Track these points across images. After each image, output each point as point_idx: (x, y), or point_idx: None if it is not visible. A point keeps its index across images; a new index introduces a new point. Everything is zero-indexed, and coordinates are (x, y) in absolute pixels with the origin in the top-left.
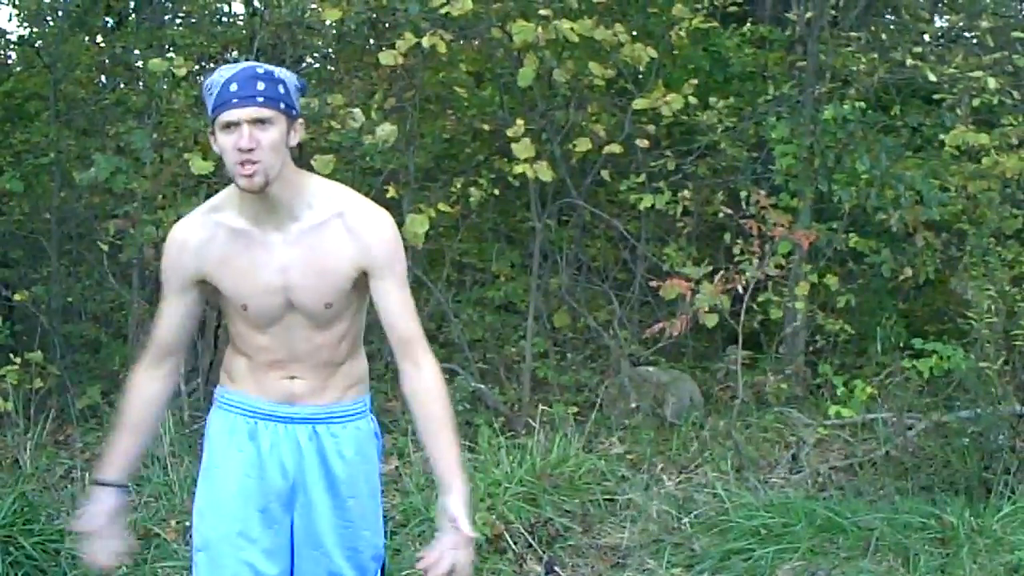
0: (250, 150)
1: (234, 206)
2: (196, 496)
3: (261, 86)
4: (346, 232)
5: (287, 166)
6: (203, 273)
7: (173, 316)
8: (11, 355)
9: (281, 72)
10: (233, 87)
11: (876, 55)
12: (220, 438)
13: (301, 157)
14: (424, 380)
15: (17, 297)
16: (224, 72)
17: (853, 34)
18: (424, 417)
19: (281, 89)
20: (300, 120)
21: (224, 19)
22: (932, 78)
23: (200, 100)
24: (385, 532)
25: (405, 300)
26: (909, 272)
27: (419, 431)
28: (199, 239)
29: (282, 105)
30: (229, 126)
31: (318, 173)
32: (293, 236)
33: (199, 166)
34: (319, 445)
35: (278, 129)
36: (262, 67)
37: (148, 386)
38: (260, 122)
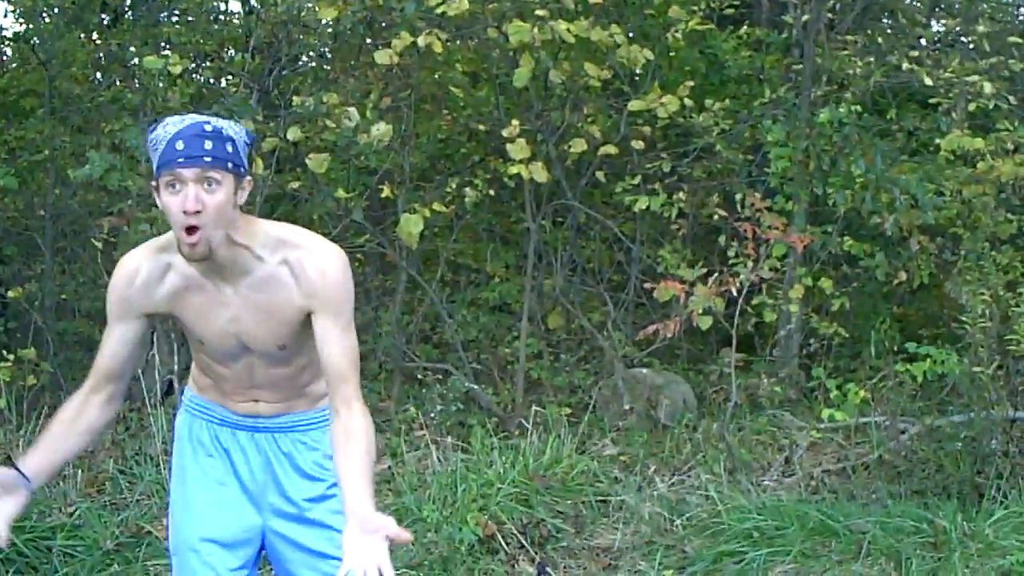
0: (196, 212)
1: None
2: (170, 500)
3: (209, 144)
4: (292, 278)
5: (234, 225)
6: (152, 308)
7: (116, 344)
8: (4, 352)
9: (230, 128)
10: (179, 145)
11: (872, 59)
12: (189, 443)
13: (296, 157)
14: (353, 422)
15: (11, 294)
16: (170, 127)
17: (849, 38)
18: (344, 455)
19: (230, 148)
20: (248, 178)
21: (220, 17)
22: (928, 82)
23: (195, 98)
24: None
25: (345, 342)
26: (903, 276)
27: (336, 468)
28: (148, 276)
29: (230, 165)
30: (174, 184)
31: (313, 172)
32: (243, 290)
33: None
34: (287, 452)
35: (225, 190)
36: (211, 123)
37: (82, 409)
38: (207, 183)
